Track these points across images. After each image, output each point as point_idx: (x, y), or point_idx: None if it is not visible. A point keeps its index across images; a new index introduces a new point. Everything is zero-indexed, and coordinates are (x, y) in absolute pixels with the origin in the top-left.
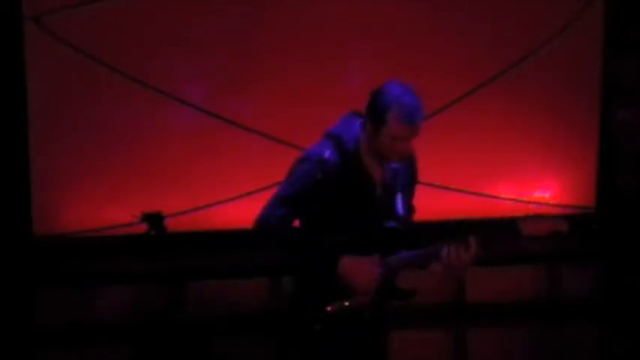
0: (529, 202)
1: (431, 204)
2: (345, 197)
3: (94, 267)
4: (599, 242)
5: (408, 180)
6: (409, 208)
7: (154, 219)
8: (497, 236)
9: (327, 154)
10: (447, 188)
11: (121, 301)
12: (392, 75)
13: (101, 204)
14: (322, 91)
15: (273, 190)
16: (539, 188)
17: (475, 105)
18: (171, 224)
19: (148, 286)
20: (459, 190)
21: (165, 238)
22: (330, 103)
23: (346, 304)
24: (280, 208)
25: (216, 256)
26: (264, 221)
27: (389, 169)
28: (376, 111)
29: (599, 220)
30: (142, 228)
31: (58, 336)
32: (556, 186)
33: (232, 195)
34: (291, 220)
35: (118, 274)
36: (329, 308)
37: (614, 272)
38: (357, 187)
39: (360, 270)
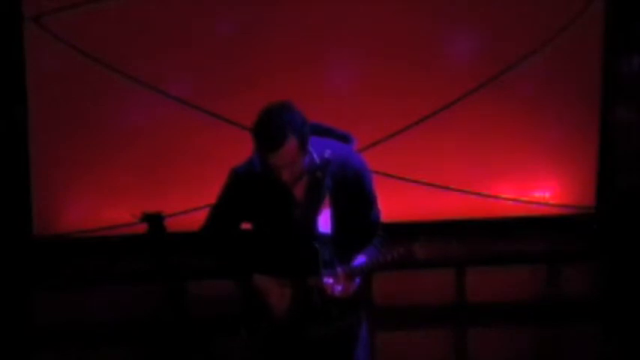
0: (529, 202)
1: (431, 204)
2: (261, 213)
3: (94, 267)
4: (599, 242)
5: (343, 195)
6: (350, 224)
7: (154, 219)
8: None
9: (240, 168)
10: (447, 188)
11: (120, 301)
12: (392, 75)
13: (101, 204)
14: (322, 91)
15: None
16: (539, 188)
17: (475, 105)
18: (171, 224)
19: (147, 286)
20: (459, 190)
21: (165, 238)
22: (331, 103)
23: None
24: (210, 218)
25: None
26: (200, 229)
27: (311, 186)
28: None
29: (599, 220)
30: (142, 228)
31: (58, 336)
32: (556, 186)
33: None
34: (224, 229)
35: (118, 274)
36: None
37: (614, 272)
38: (271, 204)
39: (269, 289)
